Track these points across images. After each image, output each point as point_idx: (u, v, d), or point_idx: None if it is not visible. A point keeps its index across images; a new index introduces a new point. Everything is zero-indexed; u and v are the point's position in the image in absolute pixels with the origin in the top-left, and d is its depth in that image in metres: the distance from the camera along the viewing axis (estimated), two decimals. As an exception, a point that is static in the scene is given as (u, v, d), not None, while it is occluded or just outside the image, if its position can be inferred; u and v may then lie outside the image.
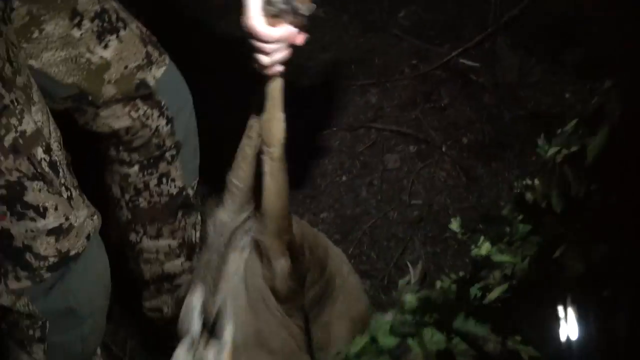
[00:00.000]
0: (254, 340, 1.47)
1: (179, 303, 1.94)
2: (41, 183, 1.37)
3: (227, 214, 1.52)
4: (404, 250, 2.21)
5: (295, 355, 1.49)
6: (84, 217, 1.46)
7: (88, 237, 1.47)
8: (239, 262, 1.48)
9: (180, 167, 1.78)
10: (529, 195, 1.21)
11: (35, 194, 1.37)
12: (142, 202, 1.80)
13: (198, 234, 1.92)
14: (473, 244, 1.23)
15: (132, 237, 1.87)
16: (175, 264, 1.92)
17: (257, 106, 1.44)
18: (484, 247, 1.22)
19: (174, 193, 1.81)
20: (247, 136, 1.48)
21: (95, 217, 1.50)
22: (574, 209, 1.12)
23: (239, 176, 1.50)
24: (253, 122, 1.46)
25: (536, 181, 1.19)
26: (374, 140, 2.43)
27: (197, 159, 1.84)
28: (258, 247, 1.46)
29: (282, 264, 1.44)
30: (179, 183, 1.80)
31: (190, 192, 1.84)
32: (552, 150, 1.17)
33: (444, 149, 2.39)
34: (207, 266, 1.52)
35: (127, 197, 1.80)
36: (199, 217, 1.91)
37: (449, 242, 2.20)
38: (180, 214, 1.85)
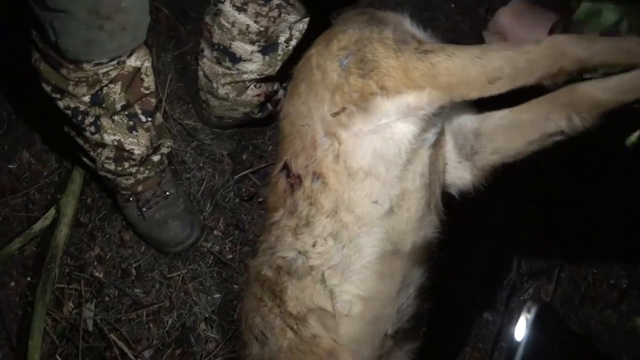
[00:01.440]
0: None
1: (235, 91, 1.88)
2: None
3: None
4: None
5: None
6: None
7: None
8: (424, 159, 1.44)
9: None
10: None
11: None
12: None
13: (286, 38, 1.82)
14: None
15: None
16: (244, 48, 1.86)
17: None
18: None
19: None
20: None
21: None
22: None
23: None
24: None
25: None
26: None
27: None
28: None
29: None
30: None
31: None
32: None
33: None
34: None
35: None
36: (302, 25, 1.80)
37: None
38: (274, 2, 1.74)
